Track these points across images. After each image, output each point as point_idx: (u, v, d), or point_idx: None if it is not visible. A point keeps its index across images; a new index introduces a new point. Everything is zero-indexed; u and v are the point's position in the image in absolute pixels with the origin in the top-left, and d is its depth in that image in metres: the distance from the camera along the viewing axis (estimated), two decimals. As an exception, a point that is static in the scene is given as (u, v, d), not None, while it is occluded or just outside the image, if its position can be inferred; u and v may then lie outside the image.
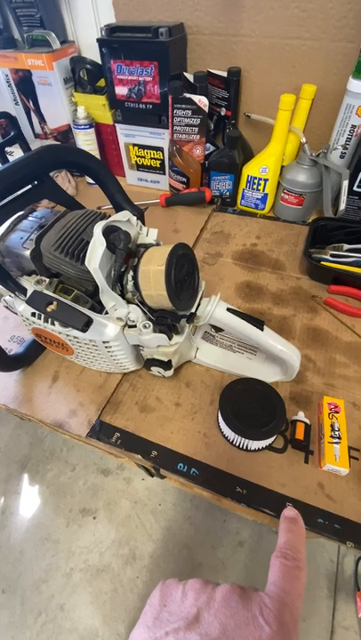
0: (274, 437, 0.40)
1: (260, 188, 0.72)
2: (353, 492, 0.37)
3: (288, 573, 0.23)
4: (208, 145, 0.76)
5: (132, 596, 1.01)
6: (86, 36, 0.79)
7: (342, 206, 0.64)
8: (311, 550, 1.06)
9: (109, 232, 0.38)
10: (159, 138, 0.76)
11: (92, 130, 0.79)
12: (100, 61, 0.71)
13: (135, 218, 0.42)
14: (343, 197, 0.64)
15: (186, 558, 1.06)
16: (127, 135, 0.79)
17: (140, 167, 0.84)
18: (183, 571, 1.03)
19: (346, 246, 0.62)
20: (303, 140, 0.66)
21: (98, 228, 0.36)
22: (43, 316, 0.41)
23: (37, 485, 1.23)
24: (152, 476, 1.03)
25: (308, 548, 1.06)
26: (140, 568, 1.05)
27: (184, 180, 0.78)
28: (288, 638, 0.19)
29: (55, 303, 0.38)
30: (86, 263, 0.36)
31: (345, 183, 0.63)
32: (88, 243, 0.37)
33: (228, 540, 1.09)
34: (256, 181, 0.71)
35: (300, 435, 0.40)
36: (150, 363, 0.45)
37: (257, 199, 0.74)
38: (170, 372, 0.46)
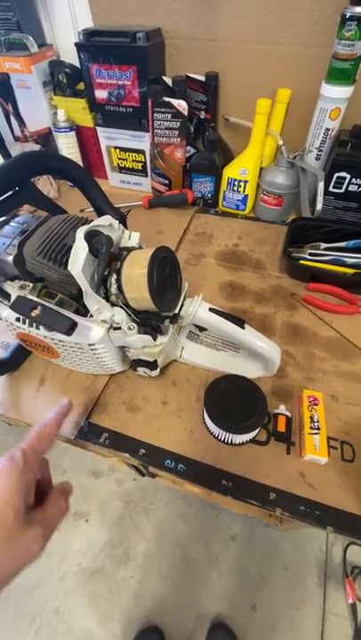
0: (257, 431, 0.42)
1: (241, 189, 0.74)
2: (332, 480, 0.39)
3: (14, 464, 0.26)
4: (189, 147, 0.77)
5: (126, 595, 1.01)
6: (65, 39, 0.79)
7: (319, 206, 0.66)
8: (300, 539, 1.09)
9: (91, 236, 0.39)
10: (140, 141, 0.77)
11: (73, 133, 0.79)
12: (78, 65, 0.71)
13: (117, 222, 0.43)
14: (320, 198, 0.66)
15: (179, 555, 1.07)
16: (108, 138, 0.79)
17: (122, 169, 0.84)
18: (177, 568, 1.05)
19: (323, 245, 0.64)
20: (280, 142, 0.68)
21: (80, 233, 0.37)
22: (27, 320, 0.41)
23: (28, 491, 1.22)
24: (143, 475, 1.03)
25: (297, 537, 1.09)
26: (134, 567, 1.05)
27: (166, 182, 0.79)
28: None
29: (39, 308, 0.38)
30: (69, 268, 0.36)
31: (321, 184, 0.65)
32: (70, 247, 0.37)
33: (220, 535, 1.10)
34: (236, 183, 0.73)
35: (281, 427, 0.42)
36: (136, 363, 0.46)
37: (238, 200, 0.76)
38: (156, 372, 0.47)
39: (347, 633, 0.95)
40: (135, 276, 0.38)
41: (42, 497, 0.28)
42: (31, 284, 0.42)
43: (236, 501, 0.39)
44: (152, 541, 1.10)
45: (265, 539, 1.10)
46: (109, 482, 1.22)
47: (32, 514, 0.26)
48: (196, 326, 0.54)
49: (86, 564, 1.06)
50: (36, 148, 0.83)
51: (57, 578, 1.05)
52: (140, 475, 1.05)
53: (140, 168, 0.82)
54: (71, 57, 0.75)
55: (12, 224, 0.45)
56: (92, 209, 0.50)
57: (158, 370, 0.47)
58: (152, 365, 0.46)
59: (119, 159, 0.82)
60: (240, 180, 0.72)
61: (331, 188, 0.67)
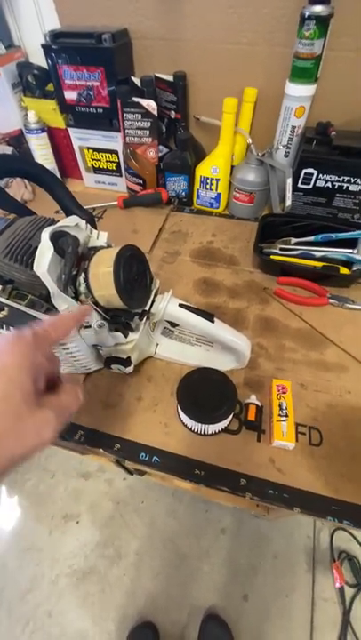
0: (228, 420, 0.43)
1: (213, 187, 0.75)
2: (300, 464, 0.41)
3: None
4: (162, 147, 0.78)
5: (119, 593, 1.02)
6: (32, 40, 0.79)
7: (288, 202, 0.68)
8: (288, 528, 1.11)
9: (58, 237, 0.39)
10: (113, 141, 0.77)
11: (45, 134, 0.79)
12: (47, 66, 0.71)
13: (84, 222, 0.43)
14: (288, 194, 0.68)
15: (171, 551, 1.08)
16: (81, 139, 0.79)
17: (96, 170, 0.85)
18: (169, 563, 1.06)
19: (293, 240, 0.66)
20: (249, 140, 0.70)
21: (45, 234, 0.38)
22: (-2, 322, 0.41)
23: (16, 496, 1.21)
24: (131, 474, 1.04)
25: (286, 526, 1.11)
26: (126, 566, 1.06)
27: (140, 181, 0.79)
28: None
29: (6, 309, 0.39)
30: (35, 268, 0.37)
31: (289, 181, 0.67)
32: (36, 248, 0.38)
33: (210, 529, 1.12)
34: (209, 181, 0.74)
35: (251, 416, 0.44)
36: (110, 361, 0.47)
37: (211, 198, 0.77)
38: (130, 369, 0.48)
39: (335, 616, 0.98)
40: (102, 275, 0.39)
41: (53, 388, 0.27)
42: (0, 287, 0.42)
43: (208, 488, 0.40)
44: (144, 539, 1.11)
45: (254, 529, 1.12)
46: (99, 482, 1.22)
47: (44, 399, 0.24)
48: (169, 322, 0.55)
49: (78, 566, 1.06)
50: (8, 150, 0.82)
51: (49, 581, 1.04)
52: (128, 473, 1.06)
53: (114, 168, 0.83)
54: (39, 58, 0.75)
55: (-21, 227, 0.45)
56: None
57: (132, 366, 0.47)
58: (126, 362, 0.47)
59: (93, 160, 0.82)
60: (212, 179, 0.74)
61: (299, 184, 0.69)
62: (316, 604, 1.01)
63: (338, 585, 1.01)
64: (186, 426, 0.44)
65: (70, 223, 0.41)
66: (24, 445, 0.22)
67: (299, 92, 0.63)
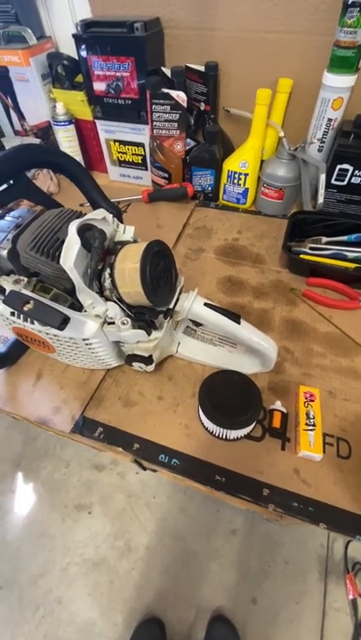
0: (252, 426, 0.41)
1: (241, 182, 0.73)
2: (327, 477, 0.39)
3: None
4: (189, 140, 0.76)
5: (128, 586, 1.03)
6: (63, 31, 0.78)
7: (321, 199, 0.65)
8: (302, 535, 1.09)
9: (84, 230, 0.38)
10: (140, 134, 0.76)
11: (72, 126, 0.79)
12: (77, 57, 0.71)
13: (111, 215, 0.42)
14: (321, 191, 0.65)
15: (181, 549, 1.08)
16: (108, 131, 0.79)
17: (122, 163, 0.84)
18: (178, 560, 1.06)
19: (324, 239, 0.63)
20: (281, 134, 0.67)
21: (72, 227, 0.37)
22: (22, 315, 0.41)
23: (32, 483, 1.24)
24: (145, 469, 1.04)
25: (299, 533, 1.09)
26: (135, 559, 1.07)
27: (166, 175, 0.78)
28: None
29: (32, 302, 0.38)
30: (61, 262, 0.36)
31: (322, 177, 0.64)
32: (63, 242, 0.37)
33: (221, 529, 1.11)
34: (237, 176, 0.72)
35: (276, 423, 0.42)
36: (131, 358, 0.46)
37: (238, 194, 0.75)
38: (151, 367, 0.47)
39: (347, 627, 0.95)
40: (128, 271, 0.38)
41: None
42: (26, 279, 0.42)
43: (228, 496, 0.39)
44: (154, 534, 1.11)
45: (266, 533, 1.10)
46: (112, 475, 1.23)
47: None
48: (193, 321, 0.53)
49: (89, 555, 1.08)
50: (36, 141, 0.82)
51: (60, 568, 1.06)
52: (141, 469, 1.06)
53: (139, 161, 0.81)
54: (69, 49, 0.74)
55: (7, 218, 0.45)
56: (91, 203, 0.50)
57: (154, 365, 0.47)
58: (147, 360, 0.46)
59: (119, 152, 0.82)
60: (240, 173, 0.71)
61: (333, 181, 0.66)
62: (328, 613, 0.98)
63: (351, 597, 0.98)
64: (207, 429, 0.43)
65: (97, 216, 0.40)
66: None
67: (337, 82, 0.60)
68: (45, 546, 1.11)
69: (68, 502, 1.18)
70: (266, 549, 1.07)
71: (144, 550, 1.08)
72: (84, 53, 0.68)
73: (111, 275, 0.39)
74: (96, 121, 0.78)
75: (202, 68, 0.69)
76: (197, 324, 0.53)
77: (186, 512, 1.15)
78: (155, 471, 1.01)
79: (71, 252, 0.36)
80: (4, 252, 0.41)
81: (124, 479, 1.22)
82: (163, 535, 1.11)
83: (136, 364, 0.47)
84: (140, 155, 0.80)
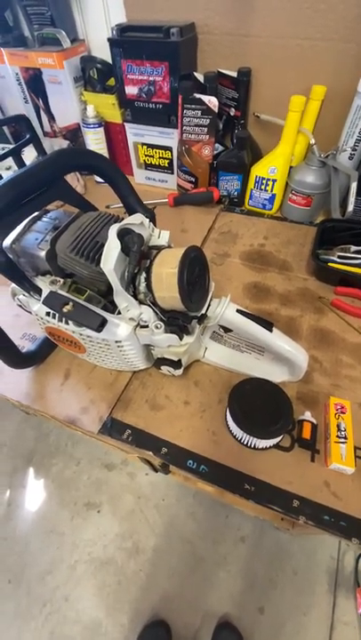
0: (281, 437, 0.41)
1: (269, 188, 0.72)
2: (358, 491, 0.38)
3: None
4: (217, 145, 0.76)
5: (135, 588, 1.03)
6: (97, 34, 0.79)
7: (350, 208, 0.65)
8: (312, 547, 1.07)
9: (123, 234, 0.39)
10: (168, 137, 0.76)
11: (102, 129, 0.80)
12: (110, 60, 0.71)
13: (148, 220, 0.42)
14: (351, 199, 0.64)
15: (188, 552, 1.07)
16: (136, 134, 0.79)
17: (148, 166, 0.84)
18: (185, 565, 1.05)
19: (353, 248, 0.62)
20: (312, 141, 0.66)
21: (113, 231, 0.37)
22: (57, 315, 0.42)
23: (42, 479, 1.25)
24: (156, 471, 1.04)
25: (308, 543, 1.08)
26: (143, 561, 1.07)
27: (192, 179, 0.78)
28: None
29: (71, 304, 0.39)
30: (102, 265, 0.36)
31: (353, 185, 0.63)
32: (103, 245, 0.37)
33: (229, 536, 1.10)
34: (264, 182, 0.72)
35: (306, 434, 0.41)
36: (160, 362, 0.46)
37: (265, 199, 0.75)
38: (179, 372, 0.47)
39: (356, 643, 0.93)
40: (165, 276, 0.38)
41: None
42: (62, 280, 0.42)
43: (256, 505, 0.38)
44: (162, 537, 1.11)
45: (275, 542, 1.09)
46: (122, 475, 1.23)
47: None
48: (221, 327, 0.53)
49: (96, 554, 1.08)
50: (65, 143, 0.84)
51: (68, 565, 1.07)
52: (153, 470, 1.06)
53: (166, 165, 0.82)
54: (102, 52, 0.75)
55: (44, 219, 0.45)
56: (117, 205, 0.50)
57: (182, 369, 0.47)
58: (176, 364, 0.46)
59: (146, 156, 0.82)
60: (269, 179, 0.71)
61: (363, 190, 0.65)
62: (336, 626, 0.97)
63: (361, 611, 0.96)
64: (235, 437, 0.43)
65: (135, 221, 0.40)
66: None
67: (373, 91, 0.59)
68: (54, 542, 1.11)
69: (77, 500, 1.19)
70: (275, 558, 1.06)
71: (152, 552, 1.08)
72: (118, 57, 0.68)
73: (147, 278, 0.39)
74: (125, 124, 0.78)
75: (234, 74, 0.69)
76: (226, 330, 0.53)
77: (195, 516, 1.14)
78: (167, 473, 1.01)
79: (111, 256, 0.36)
80: (43, 253, 0.41)
81: (133, 480, 1.22)
82: (171, 538, 1.10)
83: (165, 368, 0.47)
84: (167, 158, 0.80)
